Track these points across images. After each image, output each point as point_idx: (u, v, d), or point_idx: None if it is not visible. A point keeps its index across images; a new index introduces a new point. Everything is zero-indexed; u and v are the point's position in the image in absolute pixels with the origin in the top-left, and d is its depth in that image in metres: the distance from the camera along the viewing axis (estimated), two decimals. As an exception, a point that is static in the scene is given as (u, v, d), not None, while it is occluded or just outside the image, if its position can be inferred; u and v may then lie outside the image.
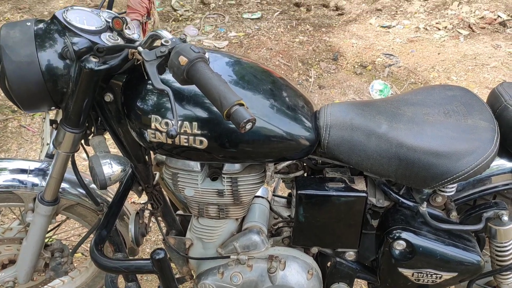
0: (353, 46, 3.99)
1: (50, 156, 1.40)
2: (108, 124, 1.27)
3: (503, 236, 1.25)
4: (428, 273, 1.23)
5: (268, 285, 1.36)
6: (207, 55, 1.14)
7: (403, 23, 4.38)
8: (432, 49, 3.98)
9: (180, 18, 4.22)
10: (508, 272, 1.34)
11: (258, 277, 1.38)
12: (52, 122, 1.23)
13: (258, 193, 1.53)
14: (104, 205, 1.46)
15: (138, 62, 1.14)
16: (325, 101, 3.34)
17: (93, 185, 1.54)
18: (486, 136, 1.15)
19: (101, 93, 1.19)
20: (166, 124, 1.12)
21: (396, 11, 4.57)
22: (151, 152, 1.37)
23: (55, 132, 1.23)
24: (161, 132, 1.13)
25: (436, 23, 4.35)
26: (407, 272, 1.24)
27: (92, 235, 1.53)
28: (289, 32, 4.12)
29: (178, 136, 1.12)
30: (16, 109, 2.95)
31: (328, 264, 1.47)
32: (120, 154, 1.30)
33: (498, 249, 1.29)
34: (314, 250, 1.39)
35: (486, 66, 3.73)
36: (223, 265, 1.41)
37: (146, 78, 1.01)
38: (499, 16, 4.43)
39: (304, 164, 1.37)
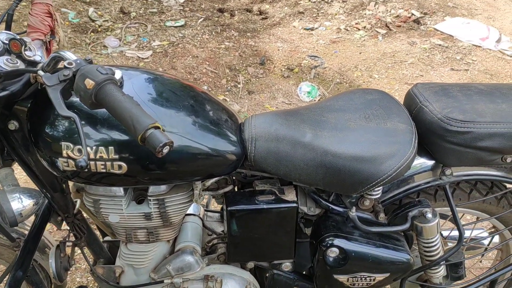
0: (279, 50, 4.03)
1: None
2: (15, 154, 1.16)
3: (428, 232, 1.29)
4: (362, 276, 1.24)
5: (206, 307, 1.32)
6: (119, 73, 1.07)
7: (325, 25, 4.49)
8: (354, 48, 4.11)
9: (99, 29, 4.04)
10: (437, 267, 1.39)
11: (194, 300, 1.33)
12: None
13: (190, 211, 1.48)
14: (21, 240, 1.34)
15: (43, 86, 1.05)
16: (255, 106, 3.34)
17: (7, 219, 1.41)
18: (405, 138, 1.18)
19: (4, 121, 1.09)
20: (79, 151, 1.04)
21: (318, 13, 4.68)
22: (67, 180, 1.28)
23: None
24: (74, 159, 1.05)
25: (356, 23, 4.50)
26: (342, 278, 1.24)
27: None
28: (214, 38, 4.09)
29: (94, 162, 1.05)
30: None
31: (266, 276, 1.45)
32: (32, 185, 1.20)
33: (426, 245, 1.33)
34: (250, 264, 1.37)
35: (404, 62, 3.91)
36: (157, 290, 1.35)
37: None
38: (413, 14, 4.68)
39: (234, 178, 1.34)
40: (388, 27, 4.47)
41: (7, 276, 1.21)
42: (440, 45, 4.17)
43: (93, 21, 4.16)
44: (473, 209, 1.42)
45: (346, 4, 4.81)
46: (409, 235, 1.36)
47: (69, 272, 1.32)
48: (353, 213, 1.24)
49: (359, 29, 4.41)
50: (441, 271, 1.40)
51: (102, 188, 1.20)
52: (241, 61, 3.80)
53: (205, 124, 1.16)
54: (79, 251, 1.38)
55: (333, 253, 1.22)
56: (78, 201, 1.38)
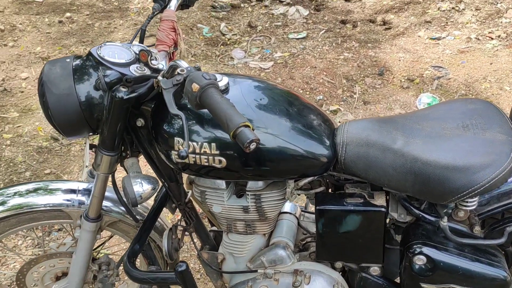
0: (400, 60, 3.95)
1: (93, 176, 1.54)
2: (141, 147, 1.38)
3: (531, 251, 1.21)
4: (451, 288, 1.21)
5: (294, 299, 1.40)
6: (226, 80, 1.23)
7: (454, 34, 4.26)
8: (484, 59, 3.84)
9: (228, 42, 4.38)
10: (542, 289, 1.28)
11: (284, 291, 1.42)
12: (91, 146, 1.36)
13: (287, 209, 1.58)
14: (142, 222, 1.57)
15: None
16: (370, 117, 3.33)
17: (134, 203, 1.67)
18: (503, 149, 1.13)
19: (134, 118, 1.31)
20: (188, 145, 1.21)
21: (447, 22, 4.46)
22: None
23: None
24: (181, 152, 1.22)
25: (489, 32, 4.19)
26: (430, 287, 1.23)
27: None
28: (334, 49, 4.15)
29: (199, 156, 1.21)
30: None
31: (356, 279, 1.48)
32: (153, 174, 1.41)
33: (528, 264, 1.25)
34: (338, 265, 1.42)
35: (543, 75, 3.54)
36: (251, 279, 1.47)
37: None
38: (559, 21, 4.20)
39: (327, 180, 1.41)
40: (527, 35, 4.08)
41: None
42: None
43: (224, 35, 4.53)
44: None
45: (480, 12, 4.50)
46: (510, 253, 1.29)
47: (179, 252, 1.51)
48: (445, 223, 1.22)
49: (492, 38, 4.10)
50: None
51: (207, 180, 1.36)
52: (359, 72, 3.81)
53: (299, 127, 1.25)
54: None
55: (420, 260, 1.21)
56: (190, 191, 1.57)
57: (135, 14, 4.92)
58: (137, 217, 1.54)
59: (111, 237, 1.81)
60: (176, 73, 1.13)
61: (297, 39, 4.37)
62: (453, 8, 4.63)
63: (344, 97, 3.52)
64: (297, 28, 4.59)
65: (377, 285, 1.39)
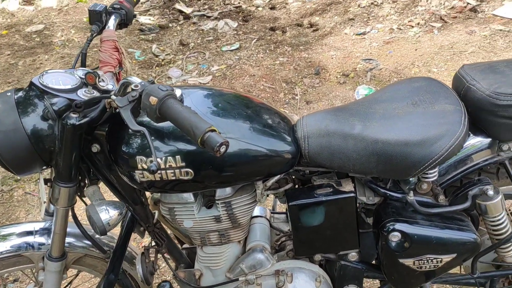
0: (332, 58, 4.09)
1: (51, 214, 1.45)
2: (100, 174, 1.33)
3: (493, 210, 1.29)
4: (428, 258, 1.26)
5: (280, 300, 1.40)
6: (180, 91, 1.21)
7: (377, 27, 4.48)
8: (409, 46, 4.07)
9: (162, 63, 4.34)
10: (508, 245, 1.36)
11: (269, 294, 1.41)
12: (46, 181, 1.29)
13: (257, 213, 1.58)
14: (111, 251, 1.51)
15: (116, 110, 1.21)
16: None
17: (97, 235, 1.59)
18: (454, 118, 1.20)
19: (88, 145, 1.26)
20: (152, 162, 1.18)
21: (368, 17, 4.69)
22: (146, 192, 1.43)
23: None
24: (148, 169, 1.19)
25: (409, 21, 4.45)
26: (408, 261, 1.27)
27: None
28: (268, 56, 4.23)
29: (165, 171, 1.18)
30: (19, 177, 3.03)
31: (336, 269, 1.50)
32: (115, 199, 1.36)
33: (492, 223, 1.32)
34: (318, 257, 1.43)
35: (464, 53, 3.80)
36: (233, 288, 1.45)
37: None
38: (468, 3, 4.54)
39: (293, 177, 1.43)
40: (443, 19, 4.37)
41: (103, 282, 1.37)
42: (501, 30, 4.02)
43: (157, 56, 4.47)
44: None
45: (397, 4, 4.77)
46: (474, 216, 1.36)
47: (155, 275, 1.46)
48: (411, 197, 1.27)
49: (412, 27, 4.36)
50: (514, 249, 1.38)
51: (175, 197, 1.33)
52: (296, 74, 3.90)
53: (260, 128, 1.26)
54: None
55: (395, 237, 1.25)
56: (156, 212, 1.53)
57: (60, 47, 4.75)
58: (104, 248, 1.48)
59: (77, 275, 1.72)
60: (129, 89, 1.10)
61: (231, 50, 4.41)
62: (372, 3, 4.88)
63: (287, 100, 3.59)
64: (229, 40, 4.63)
65: (357, 270, 1.42)
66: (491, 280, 1.43)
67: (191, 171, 1.19)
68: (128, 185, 1.37)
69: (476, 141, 1.31)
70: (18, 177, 2.89)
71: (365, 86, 3.66)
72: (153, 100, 1.02)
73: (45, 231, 1.46)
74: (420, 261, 1.26)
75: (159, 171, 1.18)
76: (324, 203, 1.28)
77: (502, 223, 1.31)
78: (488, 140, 1.31)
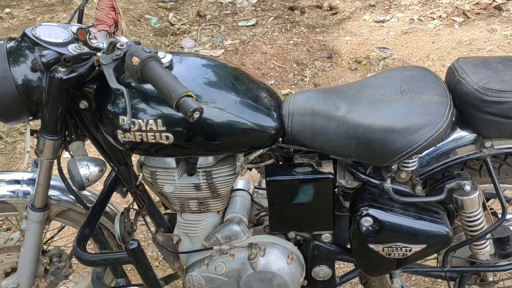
0: (347, 43, 4.04)
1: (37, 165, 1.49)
2: (87, 130, 1.35)
3: (469, 206, 1.28)
4: (397, 246, 1.26)
5: (250, 272, 1.42)
6: (170, 57, 1.22)
7: (397, 16, 4.40)
8: (427, 38, 3.99)
9: (177, 32, 4.33)
10: (481, 242, 1.36)
11: (240, 265, 1.43)
12: (32, 132, 1.32)
13: (240, 186, 1.59)
14: (94, 209, 1.54)
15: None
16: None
17: (85, 192, 1.63)
18: (439, 110, 1.19)
19: (76, 100, 1.28)
20: (133, 123, 1.19)
21: (390, 5, 4.60)
22: (130, 153, 1.46)
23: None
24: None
25: (431, 13, 4.36)
26: (377, 247, 1.28)
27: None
28: (283, 35, 4.19)
29: (146, 133, 1.20)
30: (24, 130, 3.09)
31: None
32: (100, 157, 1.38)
33: (467, 219, 1.32)
34: (292, 235, 1.44)
35: (481, 50, 3.72)
36: (207, 256, 1.48)
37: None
38: (494, 0, 4.41)
39: (276, 153, 1.43)
40: (466, 15, 4.27)
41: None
42: (523, 31, 3.91)
43: (173, 25, 4.47)
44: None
45: (421, -6, 4.67)
46: (451, 210, 1.36)
47: (133, 236, 1.49)
48: (388, 184, 1.27)
49: (433, 19, 4.27)
50: (487, 247, 1.37)
51: (157, 160, 1.35)
52: (308, 56, 3.87)
53: (246, 100, 1.26)
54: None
55: (367, 222, 1.26)
56: (141, 174, 1.56)
57: (79, 6, 4.76)
58: (88, 204, 1.51)
59: (61, 228, 1.77)
60: (116, 48, 1.11)
61: (247, 26, 4.38)
62: (395, -9, 4.78)
63: (295, 81, 3.57)
64: (246, 16, 4.60)
65: (329, 251, 1.43)
66: (461, 276, 1.43)
67: (171, 135, 1.20)
68: (113, 145, 1.39)
69: (461, 135, 1.30)
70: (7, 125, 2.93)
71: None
72: (135, 60, 1.03)
73: (32, 182, 1.50)
74: (389, 248, 1.27)
75: (139, 133, 1.20)
76: (301, 181, 1.29)
77: (477, 219, 1.31)
78: (474, 135, 1.29)
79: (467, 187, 1.25)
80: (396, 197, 1.25)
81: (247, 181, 1.63)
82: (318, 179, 1.28)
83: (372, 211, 1.25)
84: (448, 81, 1.30)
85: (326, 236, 1.41)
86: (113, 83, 1.05)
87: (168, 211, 1.69)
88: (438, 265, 1.44)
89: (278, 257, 1.42)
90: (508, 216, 1.40)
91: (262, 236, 1.46)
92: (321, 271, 1.46)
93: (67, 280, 1.77)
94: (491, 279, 1.44)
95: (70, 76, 1.17)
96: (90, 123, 1.33)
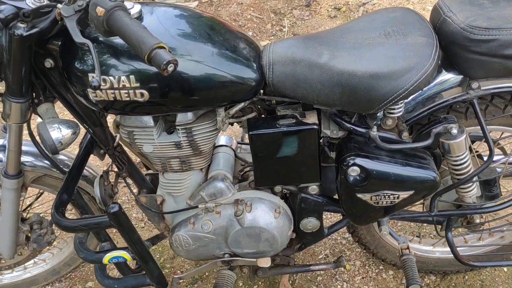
0: (326, -10, 3.90)
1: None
2: (55, 91, 1.27)
3: (456, 149, 1.26)
4: (385, 194, 1.25)
5: (238, 229, 1.40)
6: (139, 7, 1.13)
7: (376, -40, 4.25)
8: (407, -18, 3.88)
9: (148, -15, 4.12)
10: (468, 185, 1.36)
11: (227, 222, 1.41)
12: (-3, 95, 1.24)
13: (222, 142, 1.55)
14: (71, 173, 1.49)
15: (67, 22, 1.13)
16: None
17: (60, 156, 1.57)
18: (425, 51, 1.14)
19: (41, 59, 1.19)
20: (104, 80, 1.12)
21: None
22: (104, 113, 1.39)
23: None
24: (101, 89, 1.13)
25: (409, -46, 4.22)
26: (365, 196, 1.26)
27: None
28: (259, -16, 4.03)
29: (118, 91, 1.13)
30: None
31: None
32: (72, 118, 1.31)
33: (454, 163, 1.30)
34: (278, 189, 1.42)
35: (462, -8, 3.64)
36: (193, 215, 1.45)
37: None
38: None
39: (258, 106, 1.38)
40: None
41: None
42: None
43: (142, -22, 4.25)
44: (509, 126, 1.35)
45: None
46: (437, 155, 1.34)
47: (115, 199, 1.45)
48: (374, 132, 1.23)
49: (412, -39, 4.14)
50: (473, 190, 1.37)
51: (134, 120, 1.28)
52: (286, 5, 3.73)
53: (223, 52, 1.19)
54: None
55: (354, 171, 1.23)
56: (118, 135, 1.49)
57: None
58: (64, 169, 1.45)
59: (39, 195, 1.71)
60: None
61: (221, -24, 4.19)
62: None
63: (274, 32, 3.46)
64: (219, -36, 4.39)
65: (317, 203, 1.42)
66: (448, 219, 1.44)
67: (146, 92, 1.13)
68: (85, 106, 1.32)
69: (447, 77, 1.26)
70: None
71: (356, 22, 3.52)
72: (100, 11, 0.95)
73: (2, 148, 1.43)
74: (377, 197, 1.25)
75: (112, 91, 1.13)
76: (285, 134, 1.24)
77: (464, 163, 1.29)
78: (460, 77, 1.25)
79: (454, 131, 1.22)
80: (383, 144, 1.22)
81: (230, 136, 1.59)
82: (303, 131, 1.24)
83: (358, 160, 1.22)
84: (433, 21, 1.25)
85: (313, 188, 1.39)
86: (77, 37, 0.96)
87: (150, 171, 1.65)
88: (425, 210, 1.44)
89: (265, 212, 1.40)
90: (494, 158, 1.39)
91: (248, 192, 1.43)
92: (309, 223, 1.45)
93: (51, 246, 1.74)
94: (477, 221, 1.45)
95: (31, 32, 1.08)
96: (58, 83, 1.25)
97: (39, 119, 1.28)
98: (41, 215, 1.63)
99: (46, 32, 1.12)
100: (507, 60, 1.13)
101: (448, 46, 1.18)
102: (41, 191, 1.65)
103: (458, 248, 1.52)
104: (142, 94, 1.14)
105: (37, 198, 1.70)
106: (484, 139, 1.26)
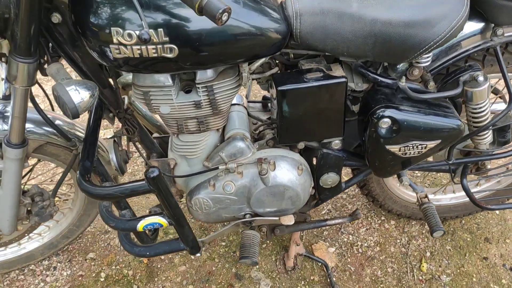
0: None
1: (5, 97, 1.28)
2: (61, 49, 1.16)
3: (478, 97, 1.29)
4: (414, 145, 1.26)
5: (262, 188, 1.37)
6: None
7: None
8: None
9: None
10: (485, 132, 1.40)
11: (250, 182, 1.38)
12: (0, 55, 1.11)
13: (234, 101, 1.49)
14: (76, 140, 1.39)
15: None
16: None
17: (58, 121, 1.45)
18: (457, -3, 1.13)
19: (46, 15, 1.08)
20: (129, 35, 1.03)
21: None
22: (115, 73, 1.30)
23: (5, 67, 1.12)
24: (125, 45, 1.04)
25: None
26: (394, 148, 1.27)
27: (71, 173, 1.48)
28: None
29: (145, 47, 1.04)
30: None
31: (314, 158, 1.49)
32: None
33: (474, 111, 1.33)
34: (301, 145, 1.39)
35: None
36: (212, 177, 1.40)
37: None
38: None
39: (276, 61, 1.33)
40: None
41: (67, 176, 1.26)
42: None
43: None
44: (521, 74, 1.39)
45: None
46: (458, 103, 1.36)
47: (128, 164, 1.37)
48: (403, 83, 1.23)
49: None
50: (489, 137, 1.41)
51: (150, 79, 1.20)
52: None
53: (249, 2, 1.12)
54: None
55: (385, 124, 1.23)
56: (126, 98, 1.40)
57: None
58: (68, 135, 1.35)
59: (36, 164, 1.60)
60: None
61: None
62: None
63: None
64: None
65: (338, 158, 1.41)
66: (464, 166, 1.49)
67: (176, 47, 1.05)
68: (94, 64, 1.23)
69: (468, 26, 1.27)
70: None
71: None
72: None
73: (1, 116, 1.31)
74: (406, 147, 1.26)
75: (138, 46, 1.04)
76: (314, 88, 1.21)
77: (484, 110, 1.33)
78: (481, 25, 1.27)
79: (481, 78, 1.24)
80: (415, 95, 1.22)
81: (239, 94, 1.53)
82: (332, 84, 1.21)
83: (389, 112, 1.21)
84: (456, -32, 1.23)
85: (336, 143, 1.38)
86: (114, -15, 0.87)
87: (156, 135, 1.57)
88: (443, 159, 1.47)
89: (289, 170, 1.38)
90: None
91: (269, 150, 1.40)
92: (329, 179, 1.45)
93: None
94: (489, 166, 1.51)
95: None
96: (65, 40, 1.15)
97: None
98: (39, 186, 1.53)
99: (58, -18, 1.00)
100: (533, 6, 1.15)
101: (475, -9, 1.18)
102: (40, 160, 1.54)
103: (454, 194, 1.57)
104: (171, 50, 1.06)
105: (33, 167, 1.59)
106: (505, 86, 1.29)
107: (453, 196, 1.81)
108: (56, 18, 1.08)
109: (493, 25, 1.24)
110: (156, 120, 1.63)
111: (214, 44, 1.09)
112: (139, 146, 1.48)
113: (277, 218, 1.46)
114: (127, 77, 1.40)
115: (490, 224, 1.91)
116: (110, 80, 1.30)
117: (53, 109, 1.44)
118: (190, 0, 0.83)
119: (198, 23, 1.05)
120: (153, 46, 1.05)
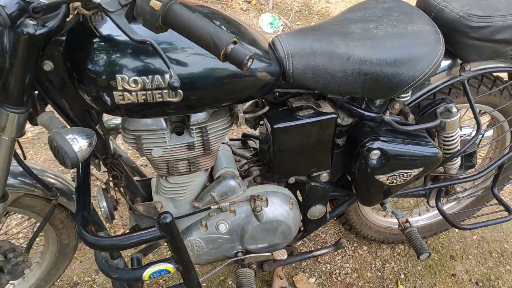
0: (233, -17, 3.92)
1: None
2: (48, 97, 1.11)
3: (451, 126, 1.40)
4: (400, 173, 1.34)
5: (256, 224, 1.38)
6: None
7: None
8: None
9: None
10: (455, 159, 1.52)
11: (244, 220, 1.38)
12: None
13: (217, 140, 1.49)
14: (56, 190, 1.31)
15: (83, 18, 0.99)
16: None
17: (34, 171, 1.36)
18: (434, 38, 1.24)
19: (37, 62, 1.03)
20: (135, 82, 1.01)
21: None
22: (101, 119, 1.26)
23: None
24: (130, 92, 1.02)
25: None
26: (383, 177, 1.33)
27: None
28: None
29: (151, 92, 1.03)
30: None
31: (298, 191, 1.52)
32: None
33: (447, 139, 1.44)
34: (292, 180, 1.42)
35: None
36: (204, 217, 1.38)
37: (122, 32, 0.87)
38: None
39: (263, 100, 1.36)
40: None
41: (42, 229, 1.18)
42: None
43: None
44: (479, 103, 1.54)
45: None
46: (432, 132, 1.47)
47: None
48: (388, 116, 1.31)
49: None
50: (458, 162, 1.54)
51: (143, 123, 1.18)
52: (198, -3, 3.67)
53: (247, 46, 1.15)
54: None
55: (375, 155, 1.29)
56: (111, 142, 1.35)
57: None
58: (49, 186, 1.28)
59: (6, 218, 1.47)
60: None
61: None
62: None
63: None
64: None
65: (325, 190, 1.45)
66: (438, 190, 1.59)
67: (181, 91, 1.05)
68: (83, 111, 1.18)
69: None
70: None
71: (269, 14, 3.61)
72: (156, 4, 0.85)
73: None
74: (393, 176, 1.34)
75: (143, 92, 1.03)
76: (308, 125, 1.25)
77: (455, 138, 1.44)
78: (448, 62, 1.39)
79: (454, 109, 1.36)
80: (401, 127, 1.30)
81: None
82: (324, 120, 1.26)
83: (378, 144, 1.28)
84: (425, 11, 1.35)
85: (324, 175, 1.42)
86: (135, 35, 0.85)
87: (136, 178, 1.52)
88: (418, 185, 1.56)
89: (280, 205, 1.40)
90: (469, 130, 1.58)
91: (259, 187, 1.42)
92: (317, 210, 1.49)
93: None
94: (459, 189, 1.63)
95: (42, 31, 0.93)
96: (54, 88, 1.10)
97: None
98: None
99: (57, 31, 0.97)
100: (496, 44, 1.29)
101: (446, 34, 1.30)
102: (9, 213, 1.42)
103: (428, 214, 1.69)
104: (176, 94, 1.05)
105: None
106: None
107: (420, 218, 1.93)
108: (48, 66, 1.04)
109: (460, 61, 1.37)
110: (132, 162, 1.59)
111: (217, 88, 1.10)
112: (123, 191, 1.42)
113: (269, 254, 1.46)
114: (111, 121, 1.36)
115: (452, 242, 2.04)
116: (98, 125, 1.25)
117: (25, 158, 1.35)
118: (216, 46, 0.84)
119: (203, 66, 1.06)
120: (159, 91, 1.03)
